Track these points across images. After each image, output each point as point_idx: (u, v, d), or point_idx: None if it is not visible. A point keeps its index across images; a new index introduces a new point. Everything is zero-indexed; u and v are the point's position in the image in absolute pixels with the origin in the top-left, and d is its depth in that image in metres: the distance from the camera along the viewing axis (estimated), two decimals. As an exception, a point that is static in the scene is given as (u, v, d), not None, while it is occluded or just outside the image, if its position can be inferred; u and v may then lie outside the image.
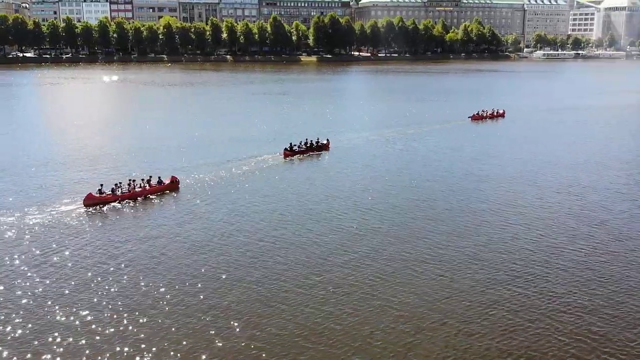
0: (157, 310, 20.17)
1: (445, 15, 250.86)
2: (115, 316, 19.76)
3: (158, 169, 38.08)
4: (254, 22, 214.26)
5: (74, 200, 32.17)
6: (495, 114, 67.15)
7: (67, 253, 25.16)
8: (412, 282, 22.35)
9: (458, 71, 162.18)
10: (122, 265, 23.85)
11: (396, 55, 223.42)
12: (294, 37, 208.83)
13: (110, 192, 32.23)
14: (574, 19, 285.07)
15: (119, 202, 32.05)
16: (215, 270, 23.45)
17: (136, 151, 47.37)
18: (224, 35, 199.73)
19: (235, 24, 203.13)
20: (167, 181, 34.69)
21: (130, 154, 46.12)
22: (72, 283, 22.20)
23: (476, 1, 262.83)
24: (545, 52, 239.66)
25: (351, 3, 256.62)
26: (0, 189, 35.41)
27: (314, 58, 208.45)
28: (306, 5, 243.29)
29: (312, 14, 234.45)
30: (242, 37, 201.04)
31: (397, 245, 26.20)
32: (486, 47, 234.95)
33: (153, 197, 33.52)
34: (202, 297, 21.26)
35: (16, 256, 24.73)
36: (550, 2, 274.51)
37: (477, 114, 65.81)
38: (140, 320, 19.49)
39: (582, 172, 40.43)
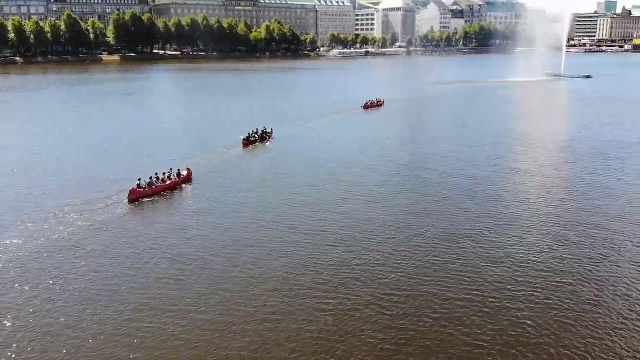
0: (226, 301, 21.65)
1: (245, 14, 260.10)
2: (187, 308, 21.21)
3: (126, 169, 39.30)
4: (42, 19, 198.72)
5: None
6: (378, 102, 77.41)
7: (130, 246, 27.21)
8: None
9: (276, 69, 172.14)
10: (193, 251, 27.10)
11: (203, 53, 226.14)
12: (91, 35, 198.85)
13: (147, 186, 33.98)
14: (358, 19, 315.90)
15: (156, 195, 34.29)
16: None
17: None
18: (11, 35, 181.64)
19: (23, 23, 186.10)
20: (184, 172, 37.13)
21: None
22: (143, 275, 23.97)
23: (272, 1, 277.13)
24: (340, 50, 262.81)
25: (149, 0, 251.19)
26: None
27: (116, 57, 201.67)
28: (100, 1, 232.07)
29: (107, 10, 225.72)
30: (32, 37, 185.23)
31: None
32: (287, 46, 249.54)
33: (179, 188, 36.24)
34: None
35: (77, 254, 26.12)
36: (337, 3, 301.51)
37: (368, 102, 75.59)
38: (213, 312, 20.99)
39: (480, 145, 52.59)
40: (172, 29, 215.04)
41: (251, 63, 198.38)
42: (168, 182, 35.59)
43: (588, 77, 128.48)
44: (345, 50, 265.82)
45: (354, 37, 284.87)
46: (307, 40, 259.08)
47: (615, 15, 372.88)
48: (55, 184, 37.45)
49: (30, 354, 18.28)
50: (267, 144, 51.34)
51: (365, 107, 74.22)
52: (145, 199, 33.58)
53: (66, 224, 29.28)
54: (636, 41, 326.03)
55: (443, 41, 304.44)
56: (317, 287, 22.43)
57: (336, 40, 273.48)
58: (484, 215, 30.85)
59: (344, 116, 67.96)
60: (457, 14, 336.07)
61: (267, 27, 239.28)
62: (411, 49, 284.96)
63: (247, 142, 49.90)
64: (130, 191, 33.08)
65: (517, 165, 42.76)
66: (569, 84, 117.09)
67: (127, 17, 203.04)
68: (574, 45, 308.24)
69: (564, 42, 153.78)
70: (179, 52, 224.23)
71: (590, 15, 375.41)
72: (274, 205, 32.74)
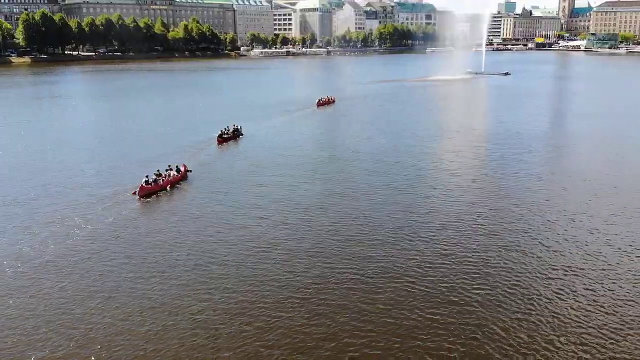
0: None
1: (161, 13, 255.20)
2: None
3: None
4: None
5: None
6: (329, 100, 79.76)
7: (148, 240, 28.24)
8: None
9: (205, 69, 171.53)
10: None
11: (119, 54, 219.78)
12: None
13: (153, 182, 34.88)
14: (276, 19, 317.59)
15: (162, 191, 35.21)
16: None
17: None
18: None
19: None
20: (182, 168, 38.03)
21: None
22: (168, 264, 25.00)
23: (189, 0, 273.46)
24: (262, 50, 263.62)
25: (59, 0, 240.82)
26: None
27: (27, 59, 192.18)
28: (7, 1, 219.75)
29: (15, 10, 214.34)
30: None
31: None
32: (207, 45, 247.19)
33: (180, 183, 37.16)
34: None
35: (97, 249, 26.70)
36: (255, 3, 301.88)
37: (320, 100, 77.84)
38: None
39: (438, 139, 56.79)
40: (86, 29, 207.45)
41: (173, 63, 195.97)
42: (171, 178, 36.52)
43: (507, 74, 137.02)
44: (267, 50, 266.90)
45: (274, 37, 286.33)
46: (227, 40, 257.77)
47: (518, 16, 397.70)
48: (54, 185, 37.16)
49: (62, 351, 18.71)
50: (240, 141, 52.38)
51: (319, 104, 76.51)
52: (154, 194, 34.67)
53: (78, 224, 29.47)
54: (538, 39, 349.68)
55: (360, 42, 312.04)
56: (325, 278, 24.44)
57: (257, 40, 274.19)
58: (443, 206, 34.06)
59: (303, 114, 70.01)
60: (371, 15, 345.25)
61: (186, 26, 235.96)
62: (330, 49, 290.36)
63: (222, 139, 50.86)
64: (140, 188, 33.83)
65: (467, 156, 46.38)
66: (492, 81, 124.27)
67: (37, 18, 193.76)
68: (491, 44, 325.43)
69: (484, 42, 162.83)
70: (94, 53, 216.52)
71: (495, 15, 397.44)
72: (271, 196, 34.58)
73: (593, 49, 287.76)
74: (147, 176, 34.94)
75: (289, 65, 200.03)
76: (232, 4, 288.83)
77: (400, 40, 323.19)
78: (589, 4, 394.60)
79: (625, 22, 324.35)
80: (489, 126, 62.79)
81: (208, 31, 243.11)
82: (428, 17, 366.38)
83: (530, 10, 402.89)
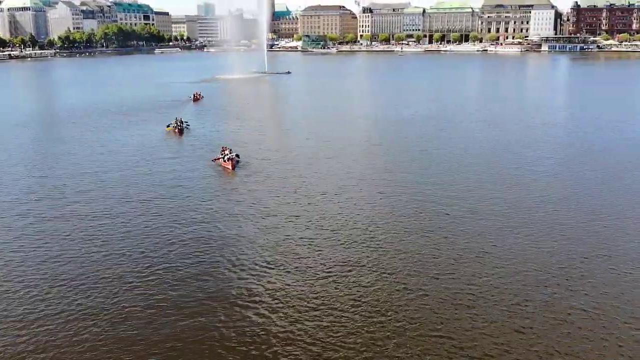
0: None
1: None
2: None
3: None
4: None
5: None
6: (200, 95, 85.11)
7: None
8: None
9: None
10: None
11: None
12: None
13: (229, 160, 40.69)
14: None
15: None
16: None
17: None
18: None
19: None
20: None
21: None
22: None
23: None
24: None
25: None
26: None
27: None
28: None
29: None
30: None
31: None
32: None
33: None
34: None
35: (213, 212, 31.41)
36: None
37: (195, 96, 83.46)
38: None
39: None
40: None
41: None
42: (237, 158, 41.95)
43: (289, 73, 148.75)
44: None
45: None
46: None
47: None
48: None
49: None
50: (190, 132, 56.56)
51: (194, 99, 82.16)
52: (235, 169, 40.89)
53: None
54: (254, 41, 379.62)
55: (84, 42, 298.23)
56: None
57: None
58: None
59: (195, 107, 76.23)
60: (89, 14, 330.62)
61: None
62: (56, 51, 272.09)
63: (181, 131, 55.18)
64: (231, 163, 40.14)
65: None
66: (279, 79, 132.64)
67: None
68: (206, 46, 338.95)
69: (265, 43, 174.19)
70: None
71: (211, 18, 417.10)
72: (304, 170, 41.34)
73: (309, 49, 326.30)
74: (231, 154, 41.19)
75: (37, 69, 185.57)
76: None
77: (126, 41, 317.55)
78: (287, 7, 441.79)
79: (328, 24, 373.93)
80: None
81: None
82: (146, 17, 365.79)
83: (242, 14, 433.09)
